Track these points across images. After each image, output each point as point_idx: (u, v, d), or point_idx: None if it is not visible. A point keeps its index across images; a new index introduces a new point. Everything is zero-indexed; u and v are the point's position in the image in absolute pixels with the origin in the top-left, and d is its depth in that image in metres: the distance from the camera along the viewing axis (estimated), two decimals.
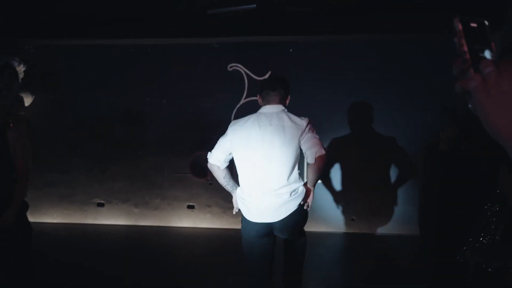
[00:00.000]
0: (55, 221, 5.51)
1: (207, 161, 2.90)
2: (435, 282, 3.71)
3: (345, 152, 5.05)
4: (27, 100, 5.10)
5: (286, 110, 2.85)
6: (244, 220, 2.84)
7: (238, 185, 2.90)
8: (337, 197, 5.16)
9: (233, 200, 2.99)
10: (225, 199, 5.27)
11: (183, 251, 4.58)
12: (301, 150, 2.77)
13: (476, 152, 4.09)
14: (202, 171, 5.23)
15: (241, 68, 5.14)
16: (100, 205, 5.48)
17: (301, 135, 2.73)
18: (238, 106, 5.11)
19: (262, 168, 2.71)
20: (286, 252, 3.18)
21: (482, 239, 3.42)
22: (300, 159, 2.81)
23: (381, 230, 5.09)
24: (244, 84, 5.12)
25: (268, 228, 2.78)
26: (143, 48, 5.27)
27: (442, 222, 4.00)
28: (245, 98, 5.09)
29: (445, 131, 4.24)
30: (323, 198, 5.11)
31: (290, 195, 2.73)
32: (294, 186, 2.75)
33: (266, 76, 5.04)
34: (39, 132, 5.19)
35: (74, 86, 5.39)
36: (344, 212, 5.16)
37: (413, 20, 4.45)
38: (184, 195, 5.35)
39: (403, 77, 4.89)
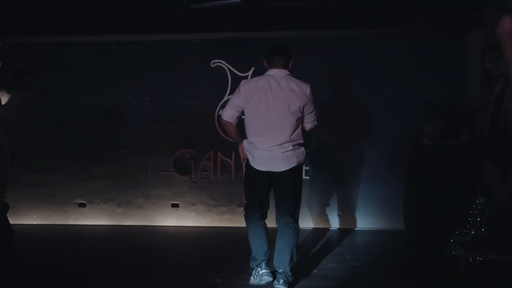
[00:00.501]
0: (34, 222, 5.37)
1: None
2: (424, 276, 3.73)
3: (331, 149, 5.04)
4: (3, 99, 4.94)
5: (290, 74, 3.24)
6: (249, 168, 3.29)
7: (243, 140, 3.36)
8: (323, 193, 5.15)
9: (240, 150, 3.41)
10: (210, 197, 5.22)
11: (168, 250, 4.51)
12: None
13: (461, 146, 4.12)
14: (186, 169, 5.20)
15: (224, 64, 5.08)
16: (82, 205, 5.36)
17: (306, 102, 3.18)
18: (221, 102, 5.04)
19: (270, 124, 3.12)
20: (280, 235, 3.31)
21: (469, 232, 3.45)
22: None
23: (367, 225, 5.09)
24: (228, 80, 5.07)
25: (270, 177, 3.22)
26: (123, 44, 5.17)
27: (427, 216, 4.02)
28: (229, 94, 5.03)
29: (430, 126, 4.26)
30: (309, 194, 5.09)
31: (293, 147, 3.16)
32: (297, 141, 3.20)
33: (250, 72, 4.99)
34: (17, 132, 5.07)
35: (52, 84, 5.25)
36: (330, 208, 5.15)
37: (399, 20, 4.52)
38: (168, 194, 5.28)
39: (388, 73, 4.89)
